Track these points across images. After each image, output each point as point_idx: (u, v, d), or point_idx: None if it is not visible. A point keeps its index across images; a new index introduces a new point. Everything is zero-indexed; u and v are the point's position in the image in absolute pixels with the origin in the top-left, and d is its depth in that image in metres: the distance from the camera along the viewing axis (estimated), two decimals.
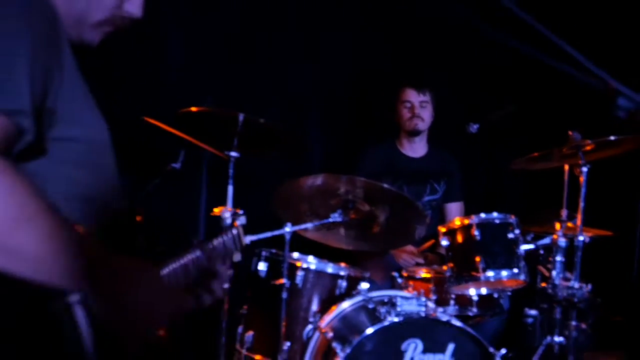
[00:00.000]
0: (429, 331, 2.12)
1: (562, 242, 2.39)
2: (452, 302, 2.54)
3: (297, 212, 2.49)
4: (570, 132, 2.42)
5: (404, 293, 2.39)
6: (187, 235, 3.14)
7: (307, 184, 2.40)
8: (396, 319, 2.08)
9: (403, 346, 2.07)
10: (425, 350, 2.09)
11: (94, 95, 1.09)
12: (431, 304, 2.32)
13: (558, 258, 2.40)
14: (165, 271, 1.17)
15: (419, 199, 3.07)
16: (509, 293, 2.69)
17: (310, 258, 2.55)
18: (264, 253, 2.56)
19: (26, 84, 0.87)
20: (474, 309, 2.55)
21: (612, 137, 2.34)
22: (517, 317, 2.83)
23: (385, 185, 2.33)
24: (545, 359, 2.62)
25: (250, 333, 2.57)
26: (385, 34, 3.61)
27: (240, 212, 2.38)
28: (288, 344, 2.45)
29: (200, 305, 1.26)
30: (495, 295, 2.60)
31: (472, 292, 2.48)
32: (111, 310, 0.96)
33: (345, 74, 3.58)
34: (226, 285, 1.41)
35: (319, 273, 2.52)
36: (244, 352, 2.57)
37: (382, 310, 2.17)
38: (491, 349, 2.12)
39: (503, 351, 2.18)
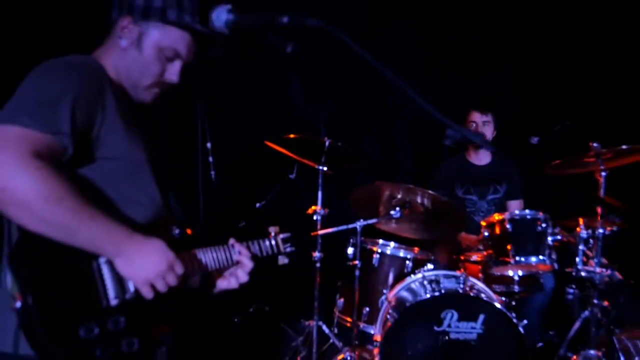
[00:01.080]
0: (463, 304, 2.74)
1: (584, 234, 2.88)
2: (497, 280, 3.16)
3: (369, 210, 3.26)
4: (591, 143, 2.86)
5: (452, 272, 3.02)
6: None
7: (373, 189, 3.17)
8: (437, 294, 2.77)
9: (442, 315, 2.73)
10: (460, 319, 2.73)
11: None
12: (471, 282, 2.94)
13: (580, 247, 2.89)
14: (200, 252, 1.52)
15: (484, 198, 3.75)
16: (548, 274, 3.20)
17: (383, 243, 3.31)
18: (351, 240, 3.35)
19: (66, 118, 1.26)
20: (516, 287, 3.14)
21: (624, 146, 2.75)
22: (561, 294, 3.35)
23: (431, 192, 2.98)
24: (581, 331, 3.13)
25: (341, 300, 3.44)
26: (456, 67, 4.27)
27: (324, 211, 3.25)
28: (367, 309, 3.26)
29: (228, 285, 1.62)
30: (535, 275, 3.15)
31: (510, 273, 3.06)
32: (126, 269, 1.32)
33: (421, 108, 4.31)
34: (246, 278, 1.63)
35: (390, 256, 3.28)
36: (337, 314, 3.45)
37: (428, 286, 2.87)
38: (515, 320, 2.70)
39: (525, 322, 2.74)
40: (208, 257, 1.56)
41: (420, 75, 4.27)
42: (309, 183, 3.60)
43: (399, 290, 3.05)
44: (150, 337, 1.40)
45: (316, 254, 3.19)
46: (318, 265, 3.20)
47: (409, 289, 3.00)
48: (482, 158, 3.84)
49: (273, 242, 1.73)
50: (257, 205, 3.70)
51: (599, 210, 2.85)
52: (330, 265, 3.31)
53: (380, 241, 3.31)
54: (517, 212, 3.03)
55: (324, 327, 3.21)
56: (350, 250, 3.29)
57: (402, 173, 4.37)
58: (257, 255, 1.68)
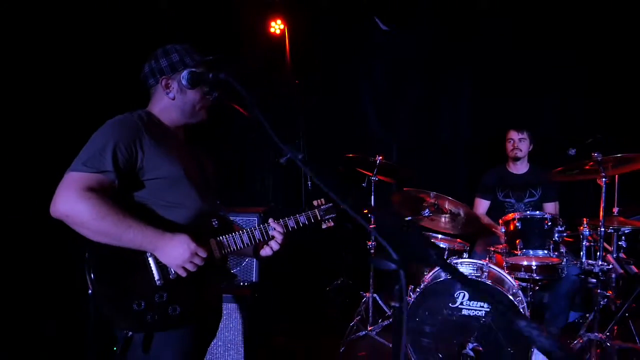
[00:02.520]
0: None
1: (586, 231, 3.22)
2: (522, 269, 3.63)
3: (409, 210, 3.97)
4: (593, 154, 3.17)
5: (476, 261, 3.56)
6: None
7: (408, 194, 3.88)
8: (450, 277, 3.39)
9: (455, 294, 3.35)
10: (470, 299, 3.33)
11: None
12: (492, 269, 3.47)
13: (584, 243, 3.24)
14: (236, 235, 1.90)
15: (521, 200, 4.26)
16: (572, 265, 3.54)
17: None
18: None
19: (109, 159, 1.69)
20: (535, 275, 3.57)
21: (618, 155, 3.04)
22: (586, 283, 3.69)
23: (450, 198, 3.59)
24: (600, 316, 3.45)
25: None
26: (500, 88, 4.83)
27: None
28: (420, 288, 3.99)
29: (265, 253, 2.01)
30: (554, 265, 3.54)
31: (525, 262, 3.51)
32: (163, 259, 1.73)
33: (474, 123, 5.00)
34: (277, 247, 1.99)
35: None
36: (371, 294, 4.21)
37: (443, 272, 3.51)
38: (515, 301, 3.20)
39: (524, 304, 3.22)
40: (244, 237, 1.94)
41: (467, 95, 4.90)
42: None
43: (432, 274, 3.73)
44: (189, 305, 1.80)
45: (370, 243, 4.04)
46: (372, 251, 4.05)
47: (435, 274, 3.67)
48: (520, 168, 4.35)
49: (310, 214, 2.09)
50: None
51: (600, 212, 3.18)
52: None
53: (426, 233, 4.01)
54: (528, 212, 3.50)
55: (378, 299, 4.06)
56: None
57: (457, 181, 4.97)
58: (294, 227, 2.05)
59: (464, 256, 3.81)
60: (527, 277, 3.56)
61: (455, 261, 3.59)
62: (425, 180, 4.65)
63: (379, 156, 3.95)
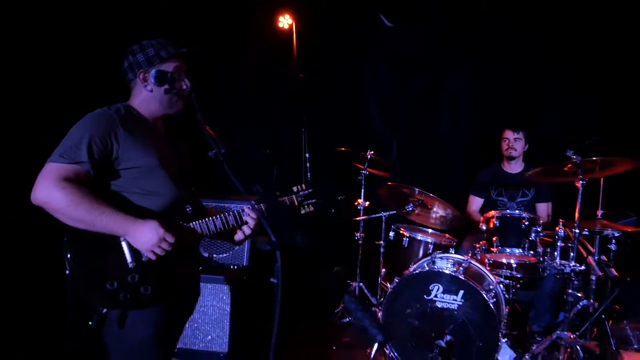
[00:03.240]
0: (446, 280, 3.35)
1: (561, 232, 3.23)
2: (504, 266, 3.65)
3: (395, 204, 4.05)
4: (570, 155, 3.15)
5: (457, 256, 3.60)
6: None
7: (394, 188, 3.96)
8: (426, 270, 3.46)
9: (430, 287, 3.40)
10: (444, 292, 3.37)
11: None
12: (472, 265, 3.52)
13: (559, 244, 3.24)
14: (209, 220, 1.99)
15: (513, 200, 4.25)
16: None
17: (412, 229, 4.06)
18: (392, 226, 4.19)
19: (85, 152, 1.80)
20: (515, 272, 3.59)
21: (594, 158, 3.03)
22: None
23: (431, 195, 3.64)
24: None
25: (384, 270, 4.30)
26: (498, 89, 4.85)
27: (365, 203, 4.14)
28: (398, 279, 4.07)
29: (238, 237, 2.10)
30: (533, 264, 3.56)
31: (504, 260, 3.54)
32: (134, 243, 1.83)
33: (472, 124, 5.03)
34: (249, 231, 2.08)
35: (415, 239, 4.02)
36: (380, 280, 4.32)
37: (425, 265, 3.58)
38: (486, 297, 3.25)
39: (493, 299, 3.26)
40: (217, 222, 2.03)
41: (467, 92, 4.89)
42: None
43: (416, 267, 3.81)
44: (160, 285, 1.91)
45: (358, 234, 4.14)
46: (360, 242, 4.15)
47: (419, 266, 3.74)
48: (514, 167, 4.34)
49: (287, 199, 2.17)
50: (339, 197, 4.78)
51: (577, 214, 3.18)
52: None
53: (410, 227, 4.09)
54: (508, 211, 3.52)
55: (364, 288, 4.17)
56: (391, 234, 4.12)
57: (454, 178, 4.99)
58: (270, 210, 2.11)
59: (450, 251, 3.85)
60: (508, 274, 3.59)
61: (438, 256, 3.65)
62: (422, 175, 4.73)
63: (370, 151, 4.04)
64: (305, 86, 5.13)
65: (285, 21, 5.24)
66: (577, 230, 3.17)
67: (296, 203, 2.15)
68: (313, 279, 4.97)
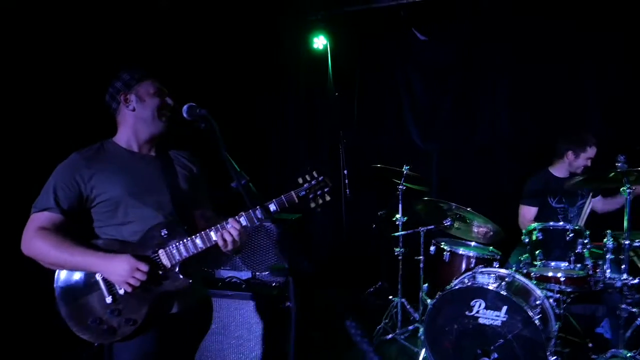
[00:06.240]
0: (490, 296, 3.17)
1: (610, 244, 2.98)
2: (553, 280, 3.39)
3: (431, 219, 3.89)
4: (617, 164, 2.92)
5: (499, 271, 3.42)
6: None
7: (430, 203, 3.80)
8: (466, 285, 3.28)
9: (472, 303, 3.22)
10: (486, 308, 3.18)
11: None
12: (517, 279, 3.30)
13: (608, 256, 2.99)
14: (181, 243, 1.89)
15: (574, 205, 3.92)
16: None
17: (453, 243, 3.88)
18: (433, 241, 4.02)
19: (52, 198, 1.87)
20: (563, 287, 3.33)
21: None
22: None
23: (469, 209, 3.46)
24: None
25: (425, 285, 4.12)
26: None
27: (404, 218, 4.01)
28: (439, 294, 3.88)
29: (223, 245, 1.88)
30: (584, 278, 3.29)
31: (550, 274, 3.29)
32: (108, 277, 1.84)
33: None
34: (229, 238, 1.87)
35: (456, 254, 3.83)
36: (421, 295, 4.14)
37: (466, 280, 3.39)
38: (530, 312, 3.02)
39: (538, 314, 3.03)
40: (197, 241, 1.91)
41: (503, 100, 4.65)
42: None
43: (458, 281, 3.62)
44: (144, 315, 1.87)
45: (398, 250, 4.01)
46: (400, 257, 4.01)
47: (459, 282, 3.55)
48: (562, 171, 3.98)
49: (284, 198, 1.88)
50: (379, 213, 4.71)
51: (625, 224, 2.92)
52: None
53: (452, 240, 3.91)
54: (551, 223, 3.26)
55: (406, 304, 4.01)
56: (432, 248, 3.96)
57: (499, 186, 4.73)
58: (261, 218, 1.89)
59: (495, 265, 3.64)
60: (557, 288, 3.34)
61: (479, 270, 3.46)
62: (463, 186, 4.54)
63: (406, 166, 3.92)
64: (342, 104, 5.07)
65: (319, 42, 5.23)
66: (627, 242, 2.91)
67: (296, 200, 1.86)
68: (356, 296, 4.86)
